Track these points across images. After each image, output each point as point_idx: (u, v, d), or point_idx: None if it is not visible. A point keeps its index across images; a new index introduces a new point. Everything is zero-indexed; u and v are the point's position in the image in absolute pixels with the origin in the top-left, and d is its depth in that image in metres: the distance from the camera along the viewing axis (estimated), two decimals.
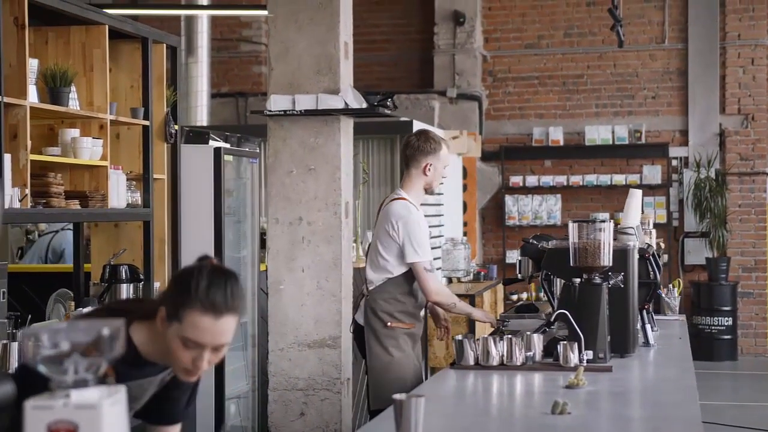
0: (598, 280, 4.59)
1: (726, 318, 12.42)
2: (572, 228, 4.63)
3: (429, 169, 5.22)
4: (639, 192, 5.95)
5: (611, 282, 4.66)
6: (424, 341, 7.11)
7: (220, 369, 6.32)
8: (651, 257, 5.32)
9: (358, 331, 5.31)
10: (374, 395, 5.20)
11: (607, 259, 4.59)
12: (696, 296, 12.61)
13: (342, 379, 5.80)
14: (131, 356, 2.72)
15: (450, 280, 10.70)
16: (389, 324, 5.16)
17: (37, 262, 7.98)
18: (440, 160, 5.25)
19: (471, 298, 9.45)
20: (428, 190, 5.30)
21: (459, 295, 9.24)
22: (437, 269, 10.13)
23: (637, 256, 4.95)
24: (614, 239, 5.28)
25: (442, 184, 5.43)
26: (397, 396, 2.86)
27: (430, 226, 8.69)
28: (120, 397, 1.88)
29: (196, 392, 3.02)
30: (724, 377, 11.77)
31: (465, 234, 12.34)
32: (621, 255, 4.77)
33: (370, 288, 5.21)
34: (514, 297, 12.13)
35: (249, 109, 12.87)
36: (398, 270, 5.16)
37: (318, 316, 5.78)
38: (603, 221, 4.65)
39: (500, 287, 11.38)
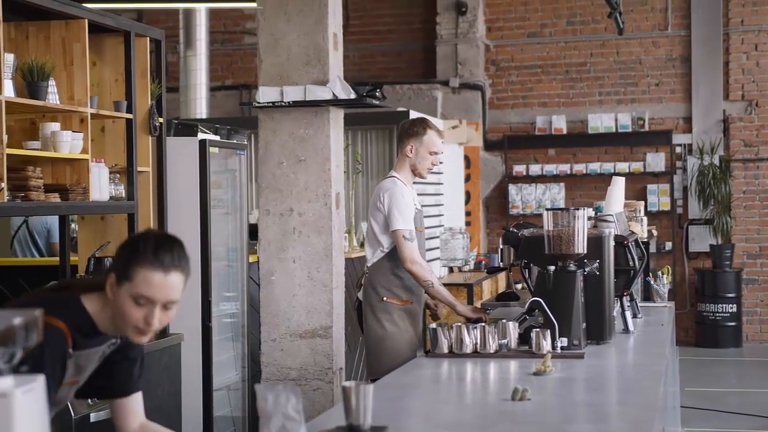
0: (572, 267, 4.61)
1: (730, 305, 12.39)
2: (546, 216, 4.65)
3: (412, 151, 5.43)
4: (621, 180, 5.97)
5: (586, 269, 4.68)
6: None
7: (207, 360, 6.38)
8: (630, 244, 5.32)
9: (359, 308, 5.47)
10: (369, 369, 5.42)
11: (581, 247, 4.60)
12: (700, 283, 12.58)
13: (334, 368, 5.83)
14: (87, 326, 2.87)
15: (451, 270, 10.71)
16: (384, 298, 5.32)
17: (31, 254, 7.98)
18: (423, 144, 5.42)
19: (469, 288, 9.46)
20: (415, 173, 5.46)
21: (458, 285, 9.36)
22: (435, 259, 10.15)
23: (613, 243, 4.94)
24: (594, 227, 5.30)
25: (432, 170, 5.55)
26: (345, 383, 2.90)
27: (428, 216, 8.74)
28: (36, 386, 1.91)
29: (143, 363, 3.15)
30: (728, 364, 11.74)
31: (469, 224, 12.34)
32: (596, 242, 4.78)
33: (368, 265, 5.41)
34: (519, 286, 12.09)
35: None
36: (388, 243, 5.32)
37: (310, 307, 5.81)
38: (577, 209, 4.65)
39: (503, 276, 11.36)
